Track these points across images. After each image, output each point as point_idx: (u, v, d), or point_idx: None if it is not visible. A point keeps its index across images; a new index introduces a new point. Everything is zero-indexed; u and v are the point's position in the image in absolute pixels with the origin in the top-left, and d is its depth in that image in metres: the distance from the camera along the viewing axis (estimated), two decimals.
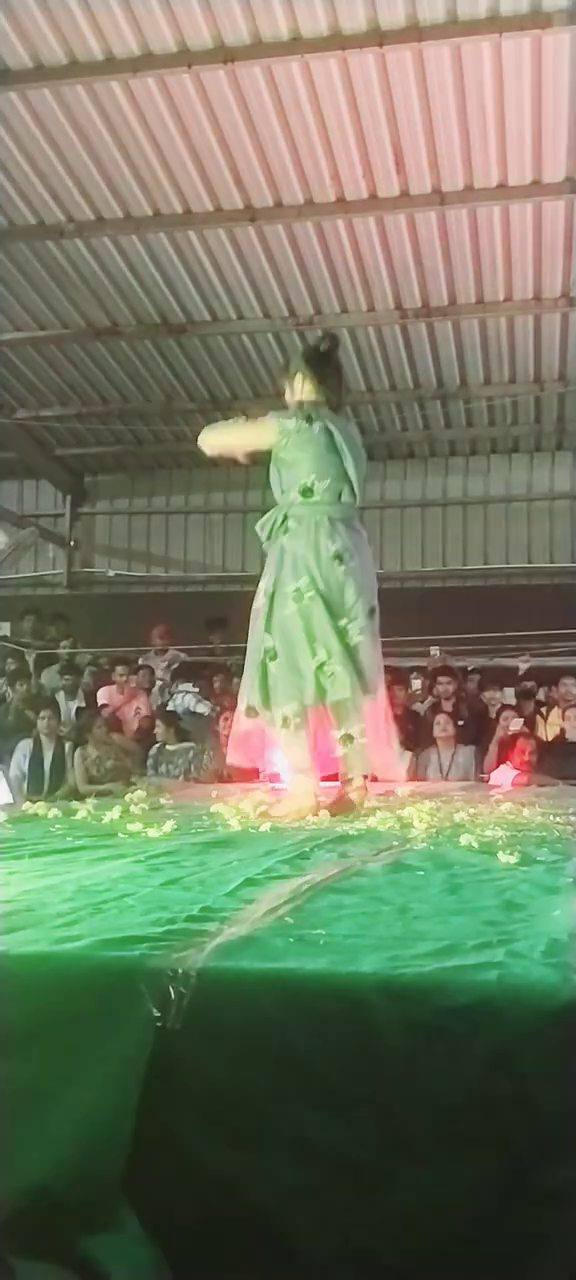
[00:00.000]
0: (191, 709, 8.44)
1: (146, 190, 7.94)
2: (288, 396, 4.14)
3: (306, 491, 3.87)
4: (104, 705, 8.76)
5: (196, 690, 8.87)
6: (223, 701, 9.12)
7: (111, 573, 13.05)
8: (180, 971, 1.40)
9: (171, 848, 2.76)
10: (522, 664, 10.08)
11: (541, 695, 9.06)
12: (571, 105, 7.24)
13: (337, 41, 6.57)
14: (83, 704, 9.07)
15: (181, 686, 8.92)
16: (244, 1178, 1.35)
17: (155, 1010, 1.37)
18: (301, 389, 4.04)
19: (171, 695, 8.88)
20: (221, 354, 10.72)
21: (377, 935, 1.65)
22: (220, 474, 13.44)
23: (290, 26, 6.46)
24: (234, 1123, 1.36)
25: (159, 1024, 1.37)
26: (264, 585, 3.94)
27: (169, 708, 8.42)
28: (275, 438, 3.94)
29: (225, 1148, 1.36)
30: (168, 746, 7.48)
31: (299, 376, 4.07)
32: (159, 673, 9.49)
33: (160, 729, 7.72)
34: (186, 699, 8.63)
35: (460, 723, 7.86)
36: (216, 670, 9.37)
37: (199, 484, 13.39)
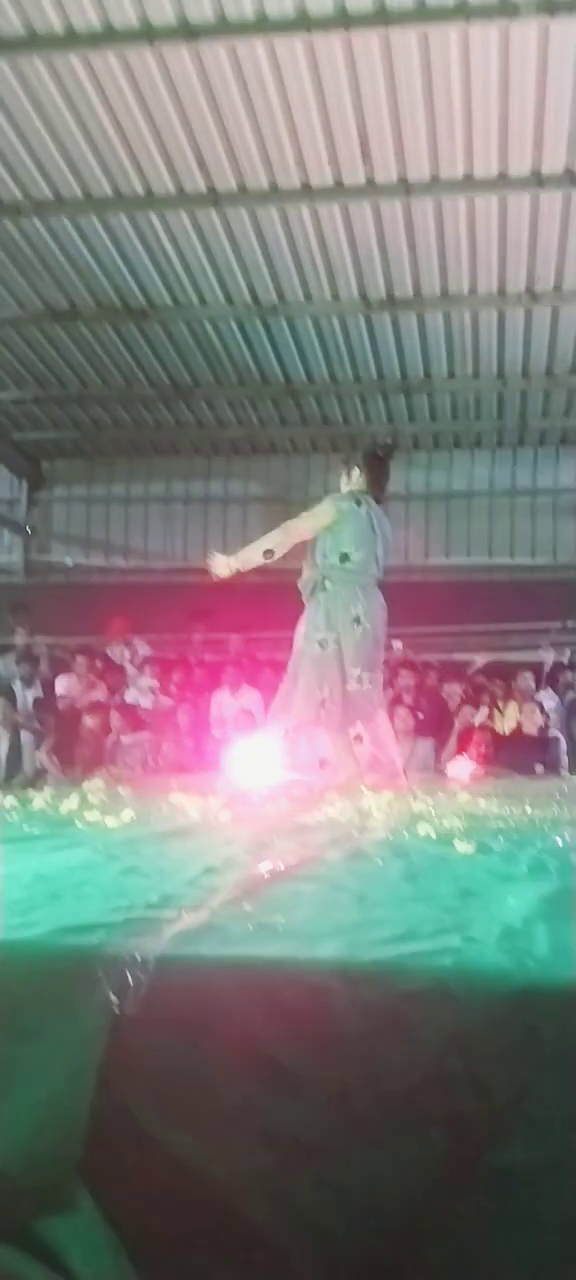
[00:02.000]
0: (148, 701, 8.43)
1: (107, 170, 7.85)
2: (343, 481, 5.12)
3: (343, 558, 4.81)
4: (62, 696, 8.72)
5: (155, 683, 8.85)
6: (183, 694, 9.12)
7: (70, 562, 12.95)
8: (138, 958, 1.40)
9: (130, 836, 2.76)
10: (480, 659, 10.17)
11: (498, 689, 9.13)
12: (538, 98, 7.28)
13: (303, 24, 6.49)
14: (40, 694, 9.01)
15: (139, 679, 8.90)
16: (201, 1160, 1.36)
17: (113, 996, 1.37)
18: (357, 478, 5.02)
19: (129, 687, 8.86)
20: (183, 339, 10.65)
21: (336, 922, 1.66)
22: (181, 462, 13.40)
23: (255, 7, 6.37)
24: (191, 1106, 1.36)
25: (116, 1010, 1.37)
26: (300, 626, 4.92)
27: (127, 699, 8.39)
28: (333, 516, 4.89)
29: (182, 1131, 1.37)
30: (123, 738, 7.45)
31: (356, 470, 5.04)
32: (126, 665, 9.47)
33: (116, 720, 7.68)
34: (143, 691, 8.61)
35: (419, 716, 7.90)
36: (178, 664, 9.37)
37: (159, 472, 13.32)
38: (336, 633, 4.74)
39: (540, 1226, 1.28)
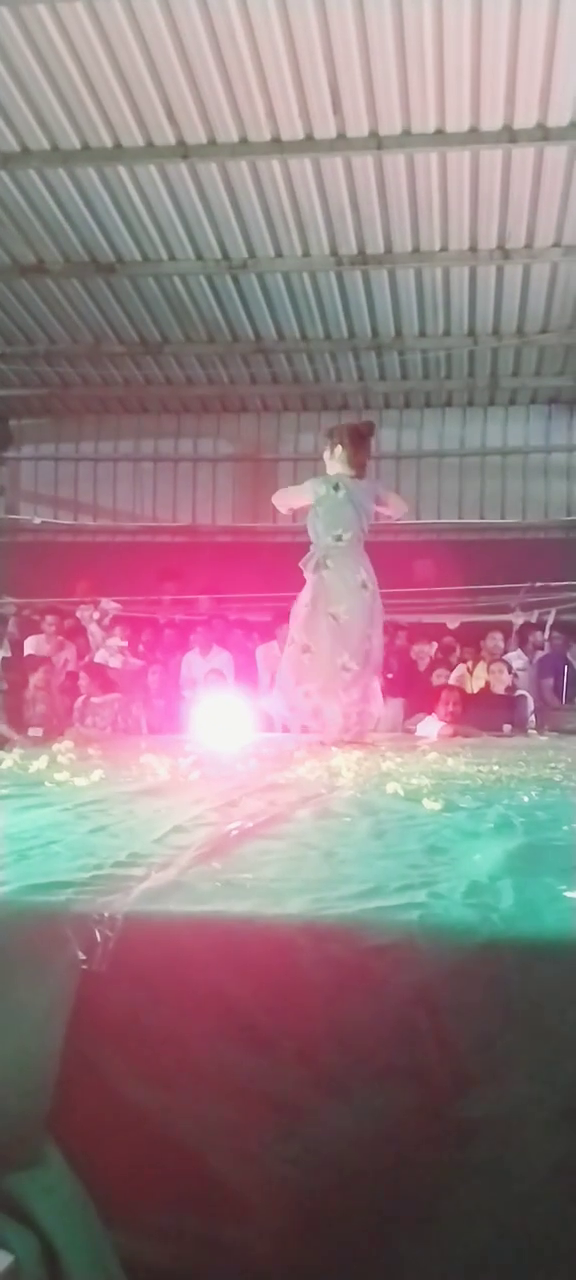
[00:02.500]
0: (117, 662, 8.40)
1: (75, 122, 7.73)
2: (326, 457, 5.49)
3: (338, 538, 5.21)
4: (31, 655, 8.67)
5: (124, 644, 8.82)
6: (153, 655, 9.10)
7: (38, 520, 12.84)
8: (106, 915, 1.41)
9: (99, 796, 2.76)
10: (451, 621, 10.22)
11: (467, 649, 9.20)
12: (510, 52, 7.23)
13: None
14: (7, 653, 8.96)
15: (109, 639, 8.86)
16: (169, 1115, 1.37)
17: (80, 953, 1.37)
18: (340, 455, 5.37)
19: (99, 647, 8.82)
20: (152, 295, 10.55)
21: (303, 878, 1.67)
22: (151, 421, 13.31)
23: None
24: (158, 1062, 1.37)
25: (84, 967, 1.37)
26: (306, 598, 5.25)
27: (96, 659, 8.35)
28: (313, 500, 5.36)
29: (150, 1086, 1.37)
30: (93, 699, 7.42)
31: (340, 448, 5.38)
32: (91, 626, 9.42)
33: (84, 680, 7.65)
34: (112, 652, 8.58)
35: (389, 676, 7.93)
36: (147, 624, 9.33)
37: (128, 430, 13.24)
38: (349, 603, 5.14)
39: (505, 1177, 1.30)
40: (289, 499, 5.83)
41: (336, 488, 5.31)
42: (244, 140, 8.15)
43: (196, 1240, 1.38)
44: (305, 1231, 1.36)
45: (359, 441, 5.49)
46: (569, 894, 1.51)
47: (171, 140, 8.09)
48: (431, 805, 2.53)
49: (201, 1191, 1.38)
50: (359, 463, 5.43)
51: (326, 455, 5.50)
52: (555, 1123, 1.25)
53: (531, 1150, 1.26)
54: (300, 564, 5.35)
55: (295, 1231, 1.37)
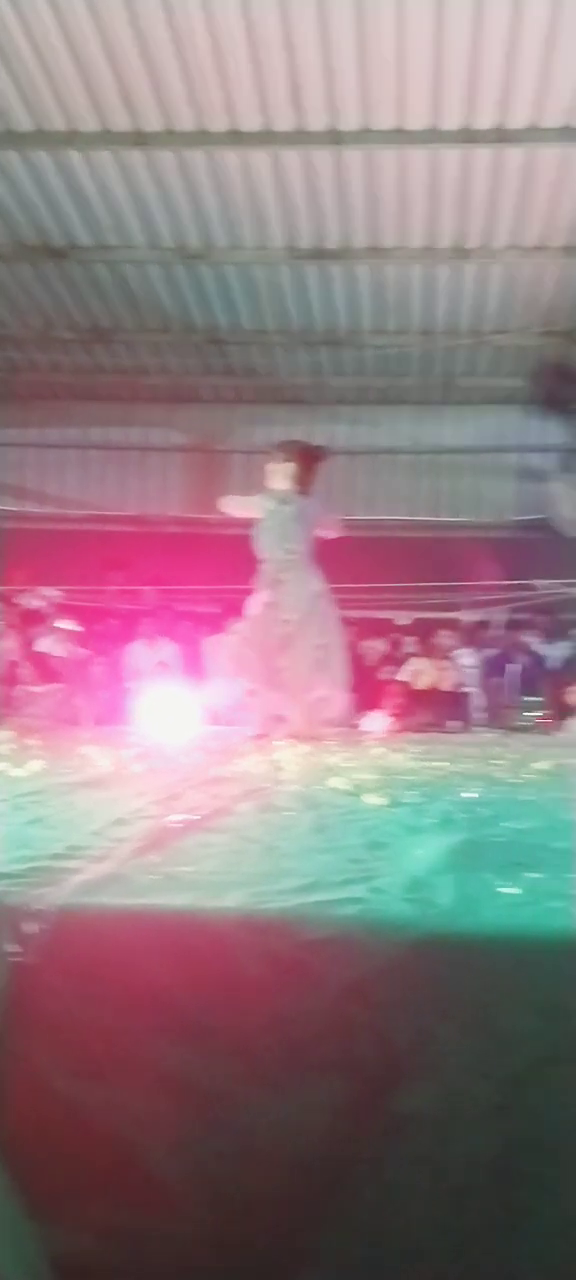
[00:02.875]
0: (61, 651, 8.31)
1: (28, 105, 7.61)
2: (275, 471, 5.57)
3: (289, 552, 5.36)
4: None
5: (80, 629, 8.74)
6: (99, 645, 9.02)
7: None
8: (39, 908, 1.38)
9: (37, 788, 2.72)
10: (401, 619, 10.27)
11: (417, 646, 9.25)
12: (471, 52, 7.25)
13: None
14: None
15: (53, 629, 8.77)
16: (103, 1109, 1.35)
17: (13, 946, 1.35)
18: (290, 472, 5.51)
19: (41, 636, 8.72)
20: (104, 282, 10.44)
21: (243, 873, 1.66)
22: (100, 409, 13.18)
23: None
24: (92, 1055, 1.35)
25: (17, 959, 1.34)
26: (262, 599, 5.35)
27: (39, 648, 8.26)
28: (260, 513, 5.46)
29: (84, 1080, 1.35)
30: (34, 688, 7.33)
31: (291, 464, 5.53)
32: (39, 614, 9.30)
33: (26, 670, 7.55)
34: (56, 641, 8.49)
35: None
36: (93, 614, 9.25)
37: (77, 418, 13.11)
38: (303, 612, 5.29)
39: (440, 1169, 1.30)
40: (237, 507, 5.91)
41: (284, 503, 5.45)
42: (201, 130, 8.09)
43: (128, 1235, 1.36)
44: (238, 1225, 1.35)
45: (309, 462, 5.66)
46: (505, 889, 1.51)
47: (127, 127, 8.01)
48: (374, 800, 2.54)
49: (134, 1186, 1.36)
50: (306, 482, 5.58)
51: (274, 468, 5.61)
52: (488, 1115, 1.25)
53: (465, 1143, 1.26)
54: (255, 583, 5.43)
55: (228, 1225, 1.36)
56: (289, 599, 5.32)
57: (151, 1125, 1.36)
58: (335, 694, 5.43)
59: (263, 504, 5.53)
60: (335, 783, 2.90)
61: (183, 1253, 1.36)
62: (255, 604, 5.43)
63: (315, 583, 5.41)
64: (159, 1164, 1.36)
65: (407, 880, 1.56)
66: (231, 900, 1.46)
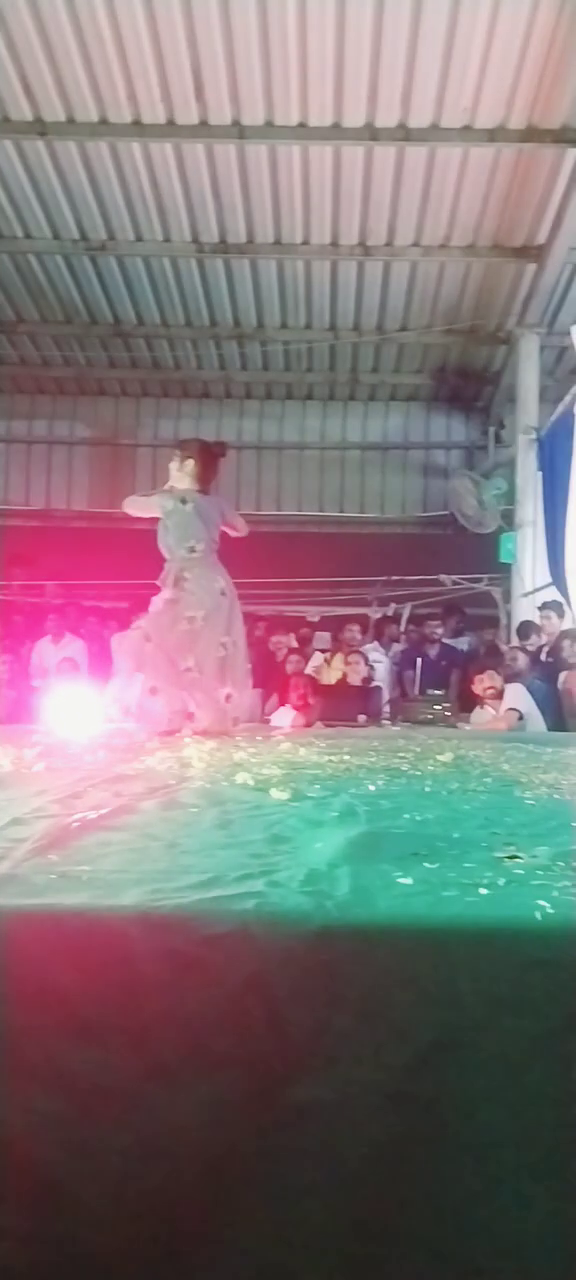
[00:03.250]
0: None
1: None
2: (175, 469, 5.61)
3: (191, 550, 5.39)
4: None
5: None
6: (3, 643, 8.86)
7: None
8: None
9: None
10: (312, 615, 10.34)
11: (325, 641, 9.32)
12: (373, 50, 7.34)
13: None
14: None
15: None
16: None
17: None
18: (190, 469, 5.55)
19: None
20: (7, 274, 10.30)
21: (143, 870, 1.65)
22: (3, 401, 12.97)
23: None
24: None
25: None
26: (165, 596, 5.34)
27: None
28: (160, 513, 5.51)
29: None
30: None
31: (190, 462, 5.55)
32: None
33: None
34: None
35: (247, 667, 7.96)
36: (2, 611, 9.10)
37: None
38: (207, 609, 5.28)
39: (336, 1159, 1.31)
40: (139, 508, 5.88)
41: (184, 501, 5.47)
42: (104, 121, 8.04)
43: (28, 1238, 1.35)
44: (139, 1223, 1.35)
45: (210, 461, 5.66)
46: (403, 880, 1.54)
47: (28, 116, 7.91)
48: (279, 795, 2.55)
49: (33, 1188, 1.35)
50: (206, 480, 5.62)
51: (174, 466, 5.64)
52: (382, 1105, 1.27)
53: (359, 1132, 1.28)
54: (158, 581, 5.44)
55: (129, 1223, 1.35)
56: (192, 597, 5.31)
57: (48, 1126, 1.35)
58: (240, 691, 5.44)
59: (163, 503, 5.55)
60: (240, 778, 2.91)
61: (82, 1252, 1.35)
62: (158, 601, 5.40)
63: (219, 580, 5.42)
64: (56, 1165, 1.35)
65: (306, 873, 1.57)
66: (129, 899, 1.46)
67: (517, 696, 7.39)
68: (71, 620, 9.33)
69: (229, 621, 5.39)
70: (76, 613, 9.60)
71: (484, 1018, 1.26)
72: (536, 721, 7.26)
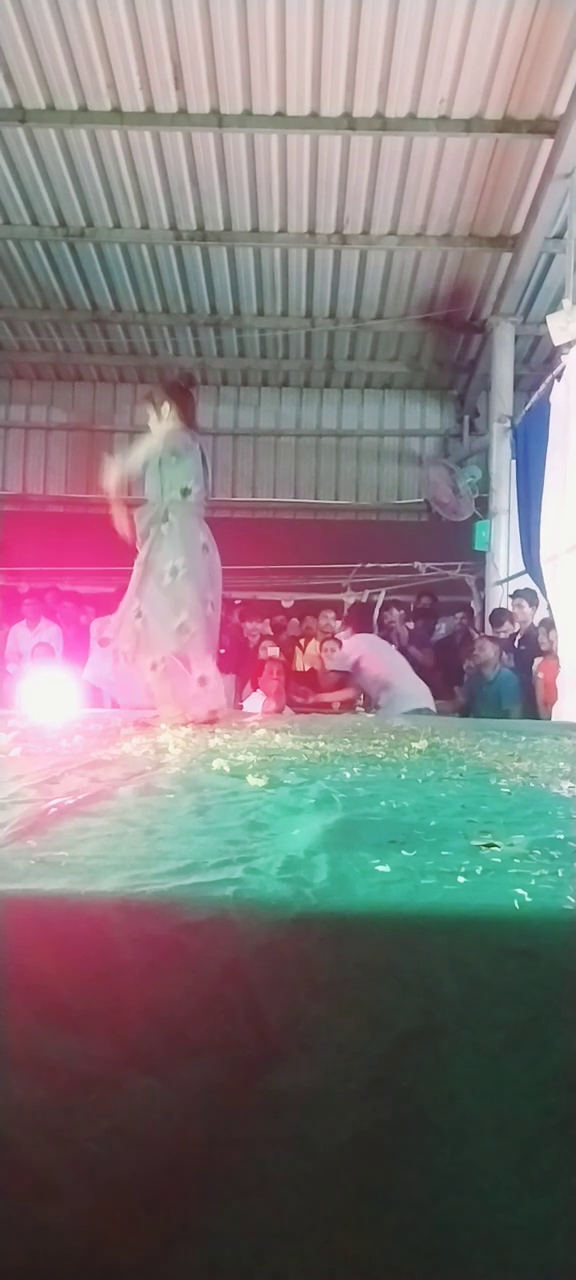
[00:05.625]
0: None
1: None
2: (152, 417, 5.12)
3: (185, 492, 4.94)
4: None
5: None
6: None
7: None
8: None
9: None
10: (285, 601, 10.35)
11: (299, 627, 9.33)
12: (351, 41, 7.33)
13: None
14: None
15: None
16: None
17: None
18: (168, 413, 5.07)
19: None
20: None
21: (121, 856, 1.65)
22: None
23: None
24: None
25: None
26: (140, 558, 4.88)
27: None
28: (147, 456, 4.97)
29: None
30: None
31: (166, 405, 5.07)
32: None
33: None
34: None
35: (221, 651, 7.95)
36: None
37: None
38: (188, 558, 4.84)
39: (312, 1146, 1.32)
40: (125, 466, 5.28)
41: (194, 439, 5.08)
42: (83, 108, 8.01)
43: (6, 1226, 1.35)
44: (116, 1211, 1.35)
45: (183, 395, 5.19)
46: (380, 868, 1.55)
47: (8, 103, 7.87)
48: (255, 781, 2.55)
49: (11, 1176, 1.35)
50: (189, 415, 5.14)
51: (151, 419, 5.17)
52: (361, 1093, 1.28)
53: (337, 1120, 1.29)
54: (135, 518, 4.98)
55: (107, 1212, 1.35)
56: (172, 544, 4.85)
57: (26, 1113, 1.35)
58: (213, 673, 5.04)
59: (147, 447, 5.04)
60: (217, 764, 2.91)
61: (61, 1241, 1.35)
62: (135, 564, 4.95)
63: (203, 534, 5.01)
64: (35, 1152, 1.35)
65: (284, 860, 1.58)
66: (107, 884, 1.46)
67: (349, 651, 7.28)
68: (47, 605, 9.29)
69: (212, 576, 4.98)
70: (52, 597, 9.56)
71: (462, 1006, 1.27)
72: (393, 681, 7.16)
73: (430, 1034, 1.29)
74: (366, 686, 7.16)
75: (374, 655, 7.23)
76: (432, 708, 7.31)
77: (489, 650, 8.20)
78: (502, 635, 8.82)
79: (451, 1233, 1.24)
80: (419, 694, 7.16)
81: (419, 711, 6.91)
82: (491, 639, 8.54)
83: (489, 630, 9.37)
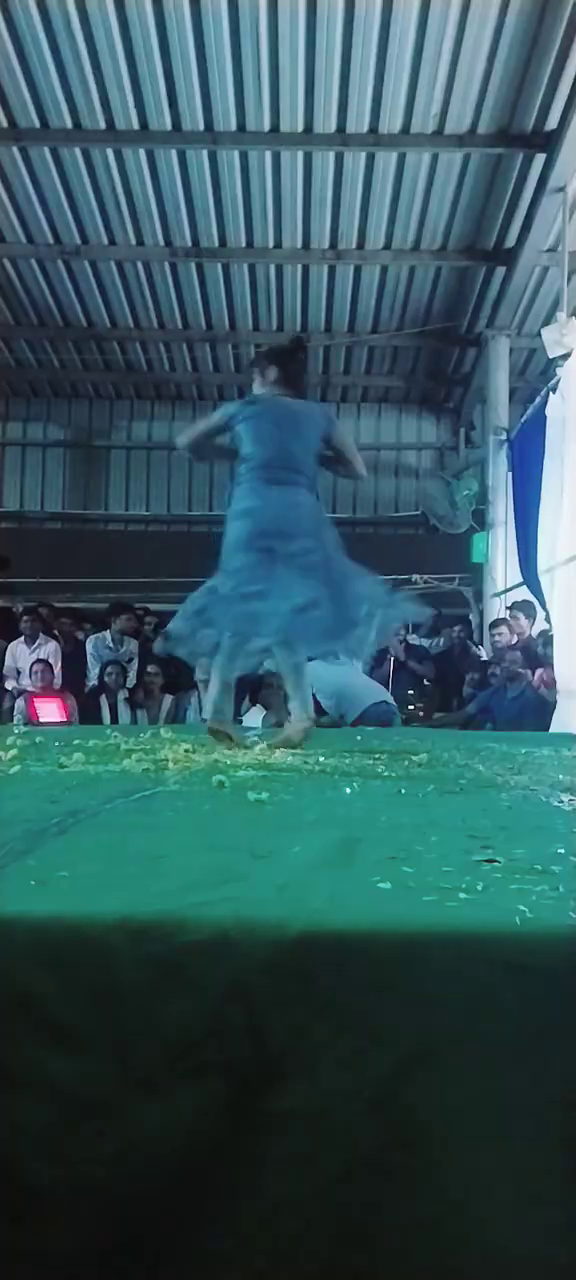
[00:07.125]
0: None
1: None
2: (256, 382, 4.65)
3: (290, 456, 4.45)
4: None
5: None
6: None
7: None
8: None
9: None
10: None
11: None
12: (344, 57, 7.36)
13: None
14: None
15: None
16: None
17: None
18: (273, 376, 4.62)
19: None
20: None
21: (121, 874, 1.65)
22: None
23: None
24: None
25: None
26: (241, 533, 4.37)
27: None
28: (226, 420, 4.51)
29: None
30: None
31: (272, 369, 4.63)
32: None
33: None
34: None
35: None
36: None
37: None
38: (317, 539, 4.57)
39: (314, 1166, 1.31)
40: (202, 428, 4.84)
41: (253, 403, 4.59)
42: (77, 126, 8.05)
43: (4, 1248, 1.34)
44: (118, 1233, 1.35)
45: (287, 357, 4.74)
46: (381, 884, 1.54)
47: (3, 122, 7.91)
48: (255, 797, 2.55)
49: (10, 1196, 1.34)
50: (292, 378, 4.69)
51: (255, 384, 4.69)
52: (363, 1112, 1.28)
53: (339, 1139, 1.28)
54: (232, 478, 4.58)
55: (107, 1234, 1.35)
56: (284, 518, 4.38)
57: (27, 1136, 1.34)
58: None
59: (220, 414, 4.63)
60: (217, 780, 2.91)
61: (60, 1264, 1.35)
62: (231, 542, 4.42)
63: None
64: (35, 1175, 1.34)
65: (285, 879, 1.57)
66: (108, 904, 1.45)
67: None
68: (45, 621, 9.27)
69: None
70: (50, 614, 9.54)
71: (464, 1024, 1.27)
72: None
73: (432, 1052, 1.29)
74: (325, 705, 7.02)
75: (320, 673, 7.17)
76: (391, 700, 7.32)
77: (519, 664, 8.16)
78: (499, 644, 8.83)
79: (452, 1253, 1.24)
80: (373, 690, 7.15)
81: (379, 705, 6.93)
82: (523, 649, 8.48)
83: (487, 642, 9.37)
